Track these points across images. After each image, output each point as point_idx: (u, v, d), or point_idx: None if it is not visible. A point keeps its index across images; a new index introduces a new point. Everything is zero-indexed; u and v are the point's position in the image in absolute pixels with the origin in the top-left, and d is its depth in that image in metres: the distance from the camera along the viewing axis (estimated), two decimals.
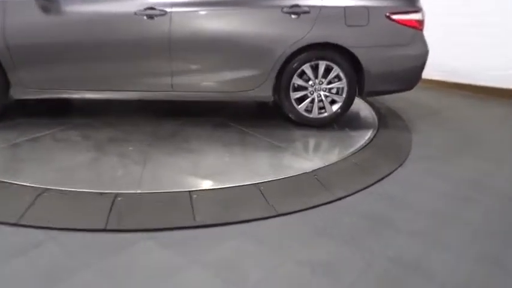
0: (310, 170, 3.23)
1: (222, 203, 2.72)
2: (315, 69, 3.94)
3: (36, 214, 2.52)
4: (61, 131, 3.74)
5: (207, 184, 2.94)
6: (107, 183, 2.88)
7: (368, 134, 4.02)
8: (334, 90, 4.09)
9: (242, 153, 3.47)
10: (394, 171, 3.39)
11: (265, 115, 4.42)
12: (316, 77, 3.95)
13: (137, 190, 2.81)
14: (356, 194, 2.98)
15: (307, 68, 3.90)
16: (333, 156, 3.51)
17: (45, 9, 3.59)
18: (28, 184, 2.82)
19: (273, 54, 3.81)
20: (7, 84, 3.75)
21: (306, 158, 3.47)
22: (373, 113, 4.67)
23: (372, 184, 3.13)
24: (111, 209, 2.60)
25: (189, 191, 2.82)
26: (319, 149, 3.79)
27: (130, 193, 2.77)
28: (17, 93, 3.80)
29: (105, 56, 3.72)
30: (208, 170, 3.16)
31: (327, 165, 3.34)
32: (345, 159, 3.48)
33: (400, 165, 3.52)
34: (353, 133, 4.05)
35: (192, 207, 2.66)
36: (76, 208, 2.61)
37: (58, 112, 4.28)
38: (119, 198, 2.70)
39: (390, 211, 2.78)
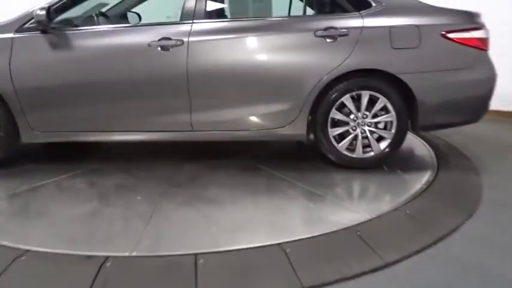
0: (352, 224, 2.58)
1: (233, 271, 2.13)
2: (357, 100, 3.35)
3: (6, 284, 2.05)
4: (68, 178, 3.33)
5: (219, 244, 2.36)
6: (99, 243, 2.38)
7: (425, 177, 3.30)
8: (381, 125, 3.45)
9: (269, 202, 2.88)
10: (461, 225, 2.66)
11: (301, 156, 3.82)
12: (358, 109, 3.34)
13: (132, 253, 2.28)
14: (412, 258, 2.29)
15: (347, 100, 3.31)
16: (382, 206, 2.83)
17: (54, 45, 3.27)
18: (7, 244, 2.37)
19: (306, 85, 3.25)
20: (17, 129, 3.43)
21: (348, 208, 2.82)
22: (431, 151, 3.94)
23: (434, 243, 2.43)
24: (95, 277, 2.08)
25: (195, 254, 2.25)
26: (364, 196, 3.12)
27: (123, 256, 2.25)
28: (26, 136, 3.46)
29: (117, 94, 3.32)
30: (224, 225, 2.59)
31: (374, 218, 2.67)
32: (396, 209, 2.79)
33: (470, 216, 2.78)
34: (406, 176, 3.35)
35: (196, 275, 2.08)
36: (54, 276, 2.11)
37: (69, 156, 3.92)
38: (108, 264, 2.18)
39: (461, 283, 2.07)
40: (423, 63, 3.25)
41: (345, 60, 3.21)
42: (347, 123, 3.38)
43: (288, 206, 2.85)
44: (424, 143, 4.17)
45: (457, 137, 4.33)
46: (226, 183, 3.21)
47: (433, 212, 2.80)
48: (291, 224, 2.61)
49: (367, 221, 2.64)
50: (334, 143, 3.40)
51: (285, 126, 3.36)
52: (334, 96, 3.29)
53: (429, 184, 3.18)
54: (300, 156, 3.78)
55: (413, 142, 4.18)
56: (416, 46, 3.23)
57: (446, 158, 3.78)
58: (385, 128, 3.44)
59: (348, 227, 2.55)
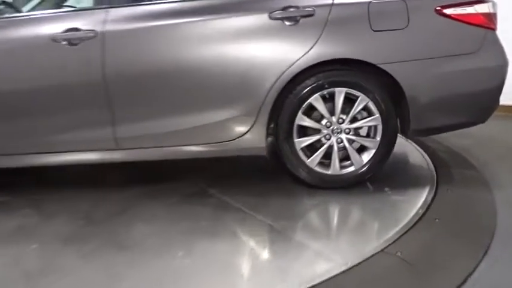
0: (324, 278, 1.82)
1: None
2: (330, 101, 2.59)
3: None
4: None
5: None
6: None
7: (422, 197, 2.54)
8: (362, 132, 2.69)
9: (209, 246, 2.11)
10: (473, 270, 1.91)
11: (263, 175, 3.02)
12: (332, 113, 2.58)
13: None
14: None
15: (316, 101, 2.54)
16: (364, 247, 2.05)
17: None
18: None
19: (261, 83, 2.48)
20: None
21: (320, 253, 2.04)
22: (427, 159, 3.18)
23: None
24: None
25: None
26: (342, 232, 2.32)
27: None
28: None
29: (16, 107, 2.53)
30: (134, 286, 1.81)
31: (354, 267, 1.90)
32: (384, 251, 2.02)
33: (484, 254, 2.03)
34: (397, 196, 2.58)
35: None
36: None
37: None
38: None
39: None
40: (413, 49, 2.49)
41: (310, 49, 2.44)
42: (318, 131, 2.61)
43: (232, 251, 2.07)
44: (419, 149, 3.41)
45: (458, 139, 3.56)
46: (160, 217, 2.42)
47: (434, 251, 2.04)
48: (232, 282, 1.83)
49: (344, 271, 1.87)
50: (302, 157, 2.63)
51: (238, 138, 2.58)
52: (299, 96, 2.52)
53: (427, 208, 2.41)
54: (263, 175, 3.00)
55: (405, 149, 3.41)
56: (403, 27, 2.46)
57: (447, 168, 3.02)
58: (368, 135, 2.68)
59: (317, 285, 1.78)
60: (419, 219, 2.29)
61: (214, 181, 2.88)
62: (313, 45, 2.44)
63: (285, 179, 2.78)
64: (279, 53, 2.46)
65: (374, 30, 2.45)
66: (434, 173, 2.91)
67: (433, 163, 3.09)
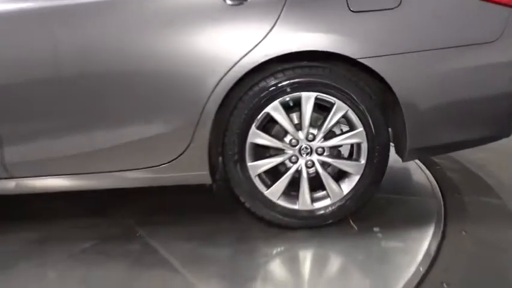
0: None
1: None
2: (295, 109, 1.90)
3: None
4: None
5: None
6: None
7: (423, 244, 1.82)
8: (345, 151, 2.00)
9: None
10: None
11: (211, 208, 2.30)
12: (299, 126, 1.88)
13: None
14: None
15: (276, 111, 1.83)
16: None
17: None
18: None
19: (197, 87, 1.78)
20: None
21: None
22: (432, 182, 2.45)
23: None
24: None
25: None
26: None
27: None
28: None
29: None
30: None
31: None
32: None
33: None
34: (390, 242, 1.87)
35: None
36: None
37: None
38: None
39: None
40: (408, 36, 1.79)
41: (263, 39, 1.74)
42: (281, 151, 1.92)
43: None
44: (421, 166, 2.67)
45: (472, 152, 2.75)
46: (51, 279, 1.73)
47: None
48: None
49: None
50: (259, 186, 1.92)
51: (170, 162, 1.88)
52: (251, 104, 1.82)
53: (430, 263, 1.68)
54: (213, 208, 2.28)
55: (402, 168, 2.67)
56: (394, 6, 1.75)
57: (458, 195, 2.30)
58: (349, 157, 1.98)
59: None
60: (420, 283, 1.57)
61: (147, 216, 2.18)
62: (268, 34, 1.74)
63: (240, 214, 2.08)
64: (220, 44, 1.76)
65: (353, 11, 1.74)
66: (442, 203, 2.19)
67: (439, 188, 2.36)
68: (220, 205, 2.24)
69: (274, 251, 1.85)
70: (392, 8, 1.75)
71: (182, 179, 1.95)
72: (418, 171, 2.60)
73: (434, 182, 2.43)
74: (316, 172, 1.92)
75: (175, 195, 2.32)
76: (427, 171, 2.59)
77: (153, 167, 1.88)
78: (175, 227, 2.05)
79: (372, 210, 2.09)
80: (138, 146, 1.85)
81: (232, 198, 1.99)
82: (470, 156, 2.80)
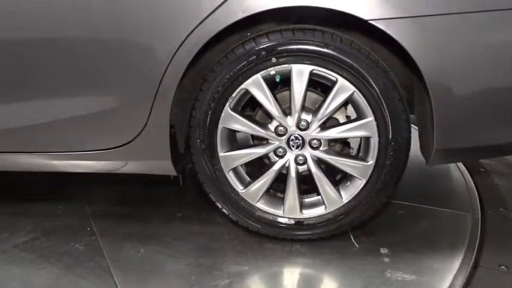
0: None
1: None
2: (283, 87, 1.45)
3: None
4: None
5: None
6: None
7: (446, 280, 1.33)
8: (344, 147, 1.53)
9: None
10: None
11: (178, 206, 1.87)
12: (288, 110, 1.42)
13: None
14: None
15: (257, 87, 1.38)
16: None
17: None
18: None
19: (152, 52, 1.35)
20: None
21: None
22: (472, 189, 1.91)
23: None
24: None
25: None
26: None
27: None
28: None
29: None
30: None
31: None
32: None
33: None
34: (398, 273, 1.38)
35: None
36: None
37: None
38: None
39: None
40: None
41: None
42: (264, 141, 1.47)
43: None
44: (460, 167, 2.13)
45: None
46: None
47: None
48: None
49: None
50: (234, 184, 1.50)
51: (121, 146, 1.48)
52: (225, 78, 1.38)
53: None
54: (183, 205, 1.86)
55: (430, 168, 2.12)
56: None
57: (503, 211, 1.77)
58: (356, 155, 1.51)
59: None
60: None
61: (108, 206, 1.81)
62: None
63: (215, 217, 1.67)
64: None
65: None
66: (479, 221, 1.67)
67: (480, 199, 1.83)
68: (195, 202, 1.83)
69: (245, 268, 1.43)
70: None
71: (138, 167, 1.56)
72: (454, 173, 2.06)
73: (474, 190, 1.90)
74: (309, 172, 1.47)
75: (154, 183, 1.94)
76: (467, 175, 2.05)
77: (101, 150, 1.50)
78: (133, 224, 1.67)
79: (383, 222, 1.62)
80: (81, 124, 1.47)
81: (204, 197, 1.58)
82: None
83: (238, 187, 1.49)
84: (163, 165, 1.51)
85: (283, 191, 1.49)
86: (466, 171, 2.07)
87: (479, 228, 1.61)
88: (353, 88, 1.35)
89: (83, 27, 1.35)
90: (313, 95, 1.49)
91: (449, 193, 1.92)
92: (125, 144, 1.47)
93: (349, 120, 1.45)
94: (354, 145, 1.56)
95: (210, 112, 1.41)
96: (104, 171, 1.58)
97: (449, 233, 1.62)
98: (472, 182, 1.98)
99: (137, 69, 1.39)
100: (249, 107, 1.52)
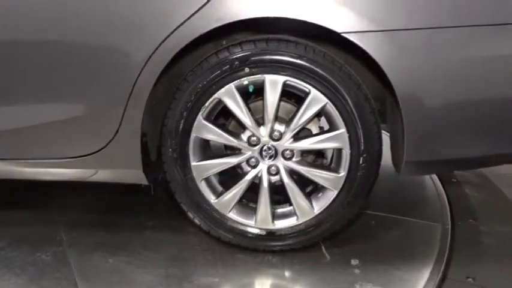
0: None
1: None
2: (256, 97, 1.45)
3: None
4: None
5: None
6: None
7: None
8: (318, 158, 1.53)
9: None
10: None
11: (150, 214, 1.83)
12: (261, 120, 1.42)
13: None
14: None
15: (230, 97, 1.37)
16: None
17: None
18: None
19: (125, 57, 1.33)
20: None
21: None
22: (443, 199, 1.93)
23: None
24: None
25: None
26: None
27: None
28: None
29: None
30: None
31: None
32: None
33: None
34: (368, 285, 1.40)
35: None
36: None
37: None
38: None
39: None
40: (416, 6, 1.28)
41: None
42: (236, 151, 1.46)
43: None
44: (432, 176, 2.15)
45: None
46: None
47: None
48: None
49: None
50: (206, 193, 1.48)
51: (92, 154, 1.45)
52: (198, 86, 1.37)
53: None
54: (154, 213, 1.83)
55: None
56: None
57: (472, 222, 1.80)
58: (328, 166, 1.51)
59: None
60: None
61: (84, 215, 1.77)
62: None
63: (186, 226, 1.65)
64: (151, 2, 1.30)
65: None
66: (449, 232, 1.70)
67: (450, 209, 1.86)
68: (167, 210, 1.80)
69: (215, 280, 1.41)
70: None
71: (109, 176, 1.53)
72: (426, 182, 2.09)
73: (446, 201, 1.92)
74: (281, 182, 1.46)
75: (126, 191, 1.90)
76: (439, 184, 2.08)
77: (71, 158, 1.47)
78: (103, 233, 1.64)
79: (355, 233, 1.63)
80: (50, 131, 1.44)
81: (176, 206, 1.56)
82: (501, 169, 2.24)
83: (211, 197, 1.48)
84: (134, 174, 1.48)
85: (256, 201, 1.49)
86: (438, 181, 2.10)
87: (449, 240, 1.63)
88: (325, 100, 1.35)
89: (53, 30, 1.33)
90: (286, 105, 1.49)
91: (421, 203, 1.94)
92: (96, 152, 1.44)
93: (321, 132, 1.45)
94: (329, 155, 1.57)
95: (182, 121, 1.40)
96: (74, 180, 1.55)
97: (420, 244, 1.63)
98: (443, 191, 2.00)
99: (108, 74, 1.36)
100: (223, 116, 1.51)
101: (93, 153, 1.44)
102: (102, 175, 1.52)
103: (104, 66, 1.35)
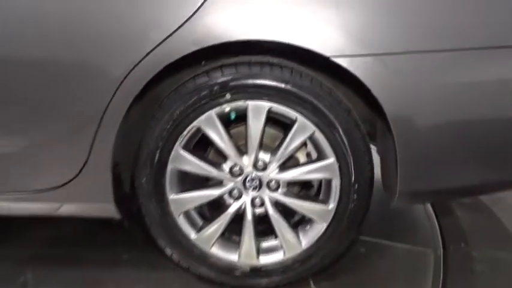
0: None
1: None
2: (239, 123, 1.34)
3: None
4: None
5: None
6: None
7: None
8: (302, 187, 1.44)
9: None
10: None
11: (128, 248, 1.68)
12: (243, 148, 1.31)
13: None
14: None
15: (209, 125, 1.26)
16: None
17: None
18: None
19: (92, 84, 1.21)
20: None
21: None
22: (433, 222, 1.85)
23: None
24: None
25: None
26: None
27: None
28: None
29: None
30: None
31: None
32: None
33: None
34: None
35: None
36: None
37: None
38: None
39: None
40: (409, 27, 1.19)
41: (191, 18, 1.15)
42: (217, 183, 1.35)
43: None
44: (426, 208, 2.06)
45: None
46: None
47: None
48: None
49: None
50: (185, 229, 1.36)
51: (59, 186, 1.32)
52: (175, 114, 1.25)
53: None
54: (133, 248, 1.69)
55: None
56: None
57: (464, 246, 1.72)
58: (315, 197, 1.41)
59: None
60: None
61: (52, 250, 1.62)
62: (198, 10, 1.16)
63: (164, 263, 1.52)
64: (125, 21, 1.18)
65: None
66: (441, 257, 1.62)
67: (441, 233, 1.78)
68: (143, 243, 1.66)
69: None
70: None
71: (79, 210, 1.39)
72: (416, 206, 2.01)
73: (436, 224, 1.85)
74: (265, 214, 1.36)
75: (98, 222, 1.76)
76: (428, 206, 2.00)
77: (35, 191, 1.33)
78: (72, 269, 1.50)
79: (345, 262, 1.52)
80: (13, 161, 1.30)
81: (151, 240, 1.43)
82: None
83: (190, 232, 1.36)
84: (105, 208, 1.36)
85: (239, 233, 1.38)
86: (429, 204, 2.02)
87: (442, 267, 1.55)
88: (313, 128, 1.25)
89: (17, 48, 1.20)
90: (271, 131, 1.38)
91: (412, 227, 1.86)
92: (62, 184, 1.31)
93: (309, 161, 1.35)
94: (316, 183, 1.47)
95: (158, 151, 1.27)
96: (39, 214, 1.41)
97: (412, 272, 1.55)
98: (433, 214, 1.93)
99: (76, 100, 1.24)
100: (203, 143, 1.40)
101: (60, 186, 1.31)
102: (70, 209, 1.39)
103: (70, 91, 1.23)
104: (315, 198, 1.40)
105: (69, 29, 1.19)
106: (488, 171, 1.34)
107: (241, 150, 1.31)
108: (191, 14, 1.15)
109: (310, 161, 1.35)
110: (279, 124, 1.38)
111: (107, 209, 1.35)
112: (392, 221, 1.87)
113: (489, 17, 1.21)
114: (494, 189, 1.49)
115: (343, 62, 1.17)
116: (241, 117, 1.29)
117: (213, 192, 1.34)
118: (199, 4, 1.14)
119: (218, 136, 1.26)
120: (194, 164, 1.29)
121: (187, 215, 1.36)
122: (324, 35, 1.15)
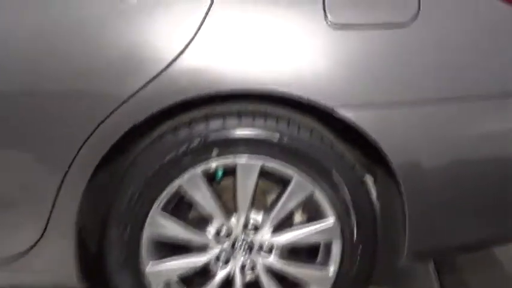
0: None
1: None
2: (229, 180, 1.15)
3: None
4: None
5: None
6: None
7: None
8: (302, 253, 1.26)
9: None
10: None
11: None
12: (232, 205, 1.13)
13: None
14: None
15: (193, 185, 1.08)
16: None
17: None
18: None
19: (54, 144, 1.02)
20: None
21: None
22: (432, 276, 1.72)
23: None
24: None
25: None
26: None
27: None
28: None
29: None
30: None
31: None
32: None
33: None
34: None
35: None
36: None
37: None
38: None
39: None
40: (422, 75, 1.06)
41: (171, 64, 0.98)
42: (202, 248, 1.16)
43: None
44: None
45: None
46: None
47: None
48: None
49: None
50: None
51: (17, 258, 1.11)
52: (150, 173, 1.06)
53: None
54: None
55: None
56: (406, 19, 1.02)
57: None
58: (314, 260, 1.24)
59: None
60: None
61: None
62: (182, 53, 0.98)
63: None
64: (101, 70, 1.00)
65: (334, 24, 1.00)
66: None
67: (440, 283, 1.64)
68: None
69: None
70: (401, 23, 1.02)
71: (39, 280, 1.18)
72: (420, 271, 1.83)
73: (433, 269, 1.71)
74: (256, 280, 1.18)
75: None
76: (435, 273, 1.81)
77: None
78: None
79: None
80: None
81: None
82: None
83: None
84: (66, 279, 1.15)
85: None
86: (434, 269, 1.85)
87: None
88: (312, 187, 1.09)
89: None
90: (264, 184, 1.21)
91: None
92: (23, 252, 1.10)
93: (307, 223, 1.18)
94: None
95: (131, 217, 1.08)
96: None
97: None
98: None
99: (28, 162, 1.04)
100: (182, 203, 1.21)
101: (15, 255, 1.10)
102: (30, 280, 1.18)
103: (32, 145, 1.03)
104: (312, 263, 1.23)
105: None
106: (501, 224, 1.22)
107: (228, 207, 1.13)
108: (168, 63, 0.97)
109: (308, 222, 1.18)
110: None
111: (68, 279, 1.14)
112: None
113: (497, 66, 1.10)
114: (507, 241, 1.36)
115: (346, 112, 1.02)
116: (230, 172, 1.11)
117: (198, 259, 1.14)
118: (175, 56, 0.97)
119: (203, 198, 1.08)
120: (174, 230, 1.10)
121: (167, 286, 1.17)
122: (328, 85, 1.00)
